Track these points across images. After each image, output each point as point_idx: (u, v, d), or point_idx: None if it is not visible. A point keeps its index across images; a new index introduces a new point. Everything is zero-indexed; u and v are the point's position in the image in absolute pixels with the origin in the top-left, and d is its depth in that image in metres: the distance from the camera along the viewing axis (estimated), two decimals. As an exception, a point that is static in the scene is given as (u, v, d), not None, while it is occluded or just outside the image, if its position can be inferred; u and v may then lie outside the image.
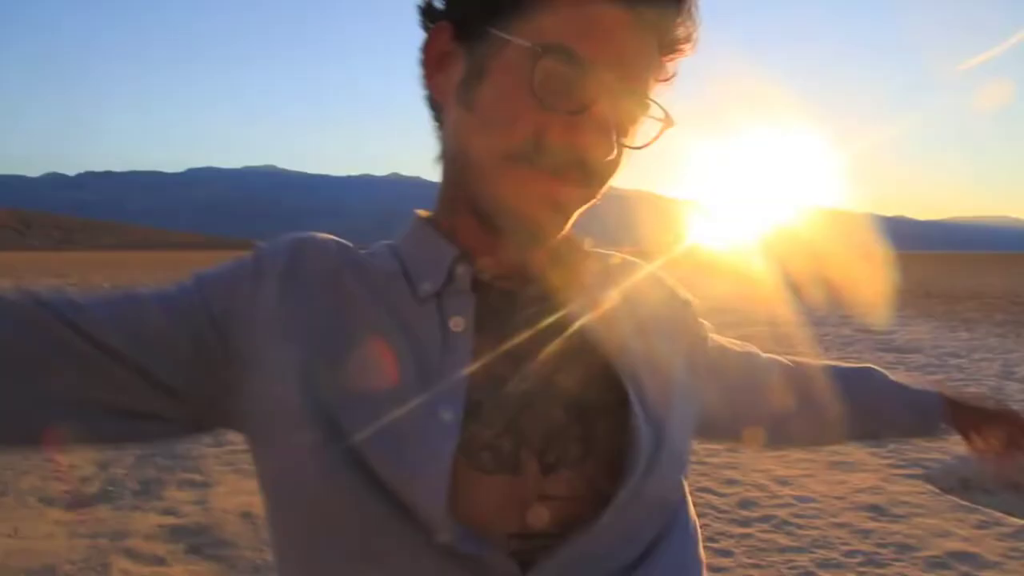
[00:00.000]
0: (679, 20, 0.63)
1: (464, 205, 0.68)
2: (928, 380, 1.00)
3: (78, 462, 4.85)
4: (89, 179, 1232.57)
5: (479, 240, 0.68)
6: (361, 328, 0.63)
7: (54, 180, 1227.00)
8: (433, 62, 0.67)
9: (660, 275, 0.81)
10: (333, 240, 0.70)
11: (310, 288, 0.64)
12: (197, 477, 4.75)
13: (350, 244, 0.71)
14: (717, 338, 0.88)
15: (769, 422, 0.89)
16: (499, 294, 0.67)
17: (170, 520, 4.03)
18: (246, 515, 4.03)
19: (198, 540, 3.78)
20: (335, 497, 0.58)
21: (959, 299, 19.70)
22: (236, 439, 1.90)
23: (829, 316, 14.36)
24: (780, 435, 0.91)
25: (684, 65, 0.67)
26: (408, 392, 0.60)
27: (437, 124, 0.71)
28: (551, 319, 0.66)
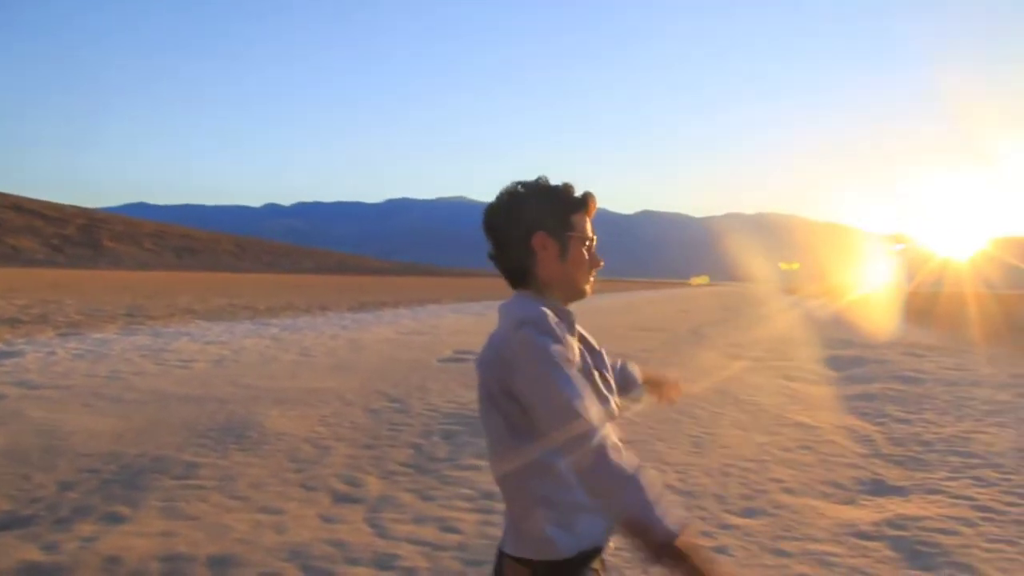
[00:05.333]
0: None
1: (562, 294, 1.67)
2: (643, 368, 2.21)
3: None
4: (301, 209, 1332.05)
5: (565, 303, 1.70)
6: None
7: (272, 210, 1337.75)
8: (540, 248, 1.62)
9: None
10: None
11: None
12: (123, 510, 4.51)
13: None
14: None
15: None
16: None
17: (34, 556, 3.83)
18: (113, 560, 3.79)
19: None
20: None
21: None
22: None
23: (991, 375, 12.31)
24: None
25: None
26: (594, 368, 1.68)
27: (525, 274, 1.67)
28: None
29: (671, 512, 1.33)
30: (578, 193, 1.67)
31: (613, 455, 1.36)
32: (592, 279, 1.71)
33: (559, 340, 1.48)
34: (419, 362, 12.18)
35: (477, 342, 15.81)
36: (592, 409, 1.41)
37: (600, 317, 27.69)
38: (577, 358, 1.56)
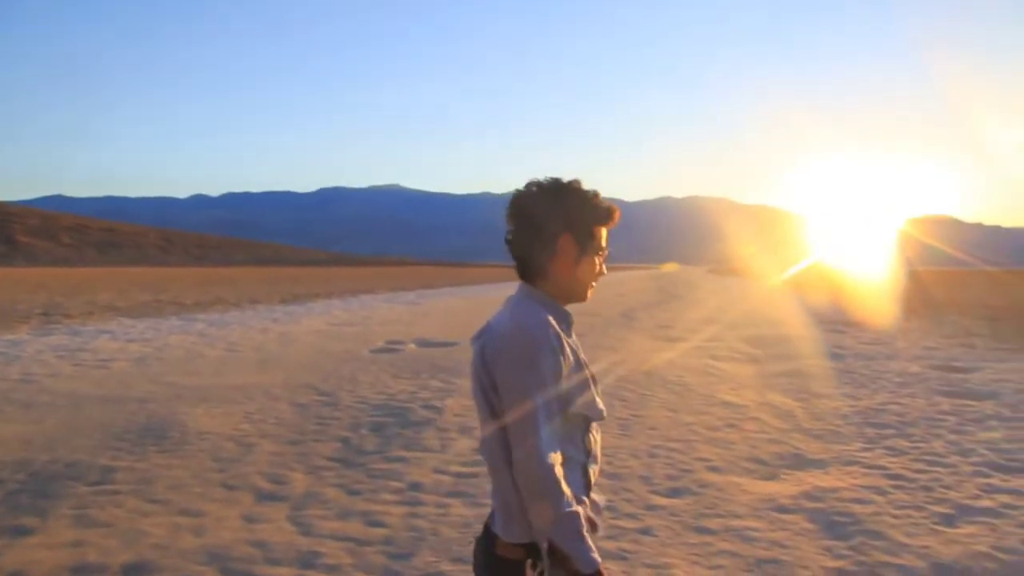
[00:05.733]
0: None
1: (564, 295, 1.73)
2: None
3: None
4: (230, 199, 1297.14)
5: (565, 303, 1.76)
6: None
7: (199, 201, 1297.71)
8: (563, 249, 1.67)
9: None
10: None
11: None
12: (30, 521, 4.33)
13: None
14: None
15: None
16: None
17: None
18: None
19: None
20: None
21: None
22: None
23: (905, 348, 13.20)
24: None
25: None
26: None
27: (538, 268, 1.71)
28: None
29: (594, 547, 1.52)
30: (605, 204, 1.72)
31: (556, 485, 1.50)
32: (594, 286, 1.80)
33: (554, 351, 1.58)
34: (350, 354, 12.01)
35: (410, 332, 15.70)
36: (545, 436, 1.54)
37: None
38: (571, 358, 1.65)
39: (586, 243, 1.71)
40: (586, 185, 1.71)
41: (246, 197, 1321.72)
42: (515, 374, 1.55)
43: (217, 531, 4.26)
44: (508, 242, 1.74)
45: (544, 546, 1.52)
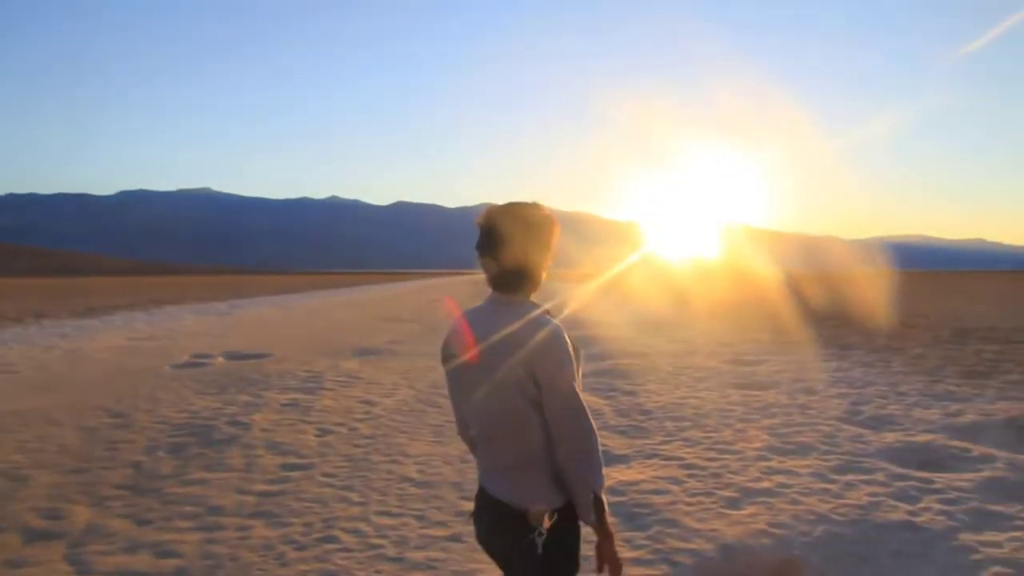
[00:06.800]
0: None
1: (533, 288, 2.01)
2: None
3: None
4: (12, 201, 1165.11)
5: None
6: None
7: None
8: (545, 263, 2.00)
9: None
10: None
11: None
12: None
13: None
14: None
15: None
16: None
17: None
18: None
19: None
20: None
21: (851, 322, 18.90)
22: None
23: (704, 345, 14.29)
24: None
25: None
26: None
27: (524, 280, 1.97)
28: None
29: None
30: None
31: (598, 449, 1.91)
32: None
33: (568, 342, 1.93)
34: (150, 370, 11.13)
35: (219, 344, 14.82)
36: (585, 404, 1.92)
37: (352, 311, 27.29)
38: None
39: (549, 254, 2.04)
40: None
41: (32, 199, 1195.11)
42: (562, 369, 1.87)
43: (-27, 581, 3.75)
44: (488, 257, 1.97)
45: (590, 497, 1.88)
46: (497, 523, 2.00)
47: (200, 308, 29.36)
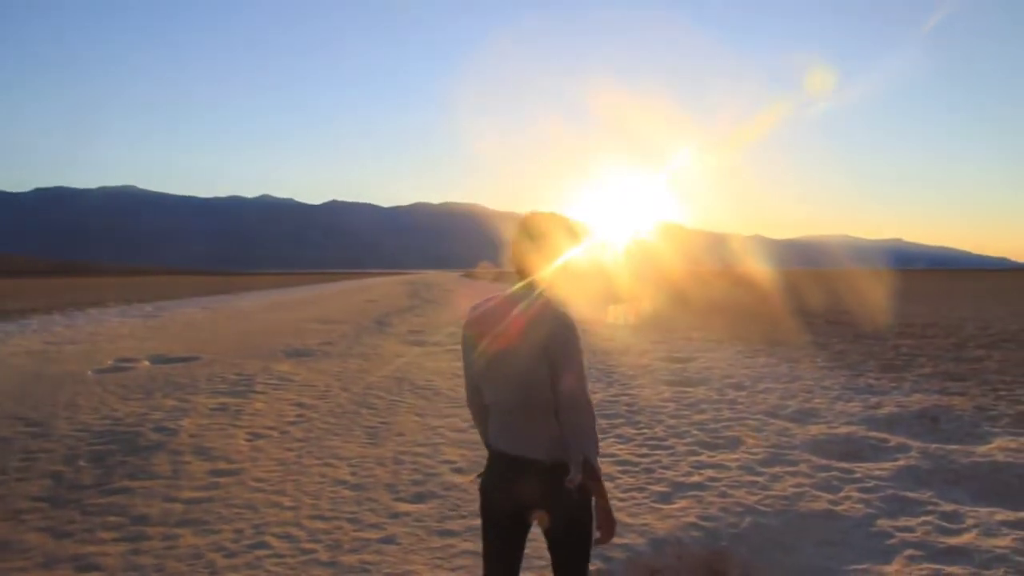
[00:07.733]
0: None
1: (545, 282, 2.34)
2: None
3: None
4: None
5: None
6: None
7: None
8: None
9: None
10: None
11: None
12: None
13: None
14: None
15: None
16: None
17: None
18: None
19: None
20: None
21: (779, 319, 19.33)
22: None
23: (637, 344, 14.55)
24: None
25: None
26: None
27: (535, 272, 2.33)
28: None
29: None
30: None
31: (592, 422, 2.28)
32: None
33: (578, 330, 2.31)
34: (71, 375, 10.68)
35: (144, 348, 14.35)
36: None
37: (284, 312, 26.76)
38: None
39: None
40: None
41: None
42: (576, 347, 2.24)
43: None
44: (520, 251, 2.34)
45: (580, 458, 2.23)
46: (521, 476, 2.32)
47: (124, 310, 28.29)
